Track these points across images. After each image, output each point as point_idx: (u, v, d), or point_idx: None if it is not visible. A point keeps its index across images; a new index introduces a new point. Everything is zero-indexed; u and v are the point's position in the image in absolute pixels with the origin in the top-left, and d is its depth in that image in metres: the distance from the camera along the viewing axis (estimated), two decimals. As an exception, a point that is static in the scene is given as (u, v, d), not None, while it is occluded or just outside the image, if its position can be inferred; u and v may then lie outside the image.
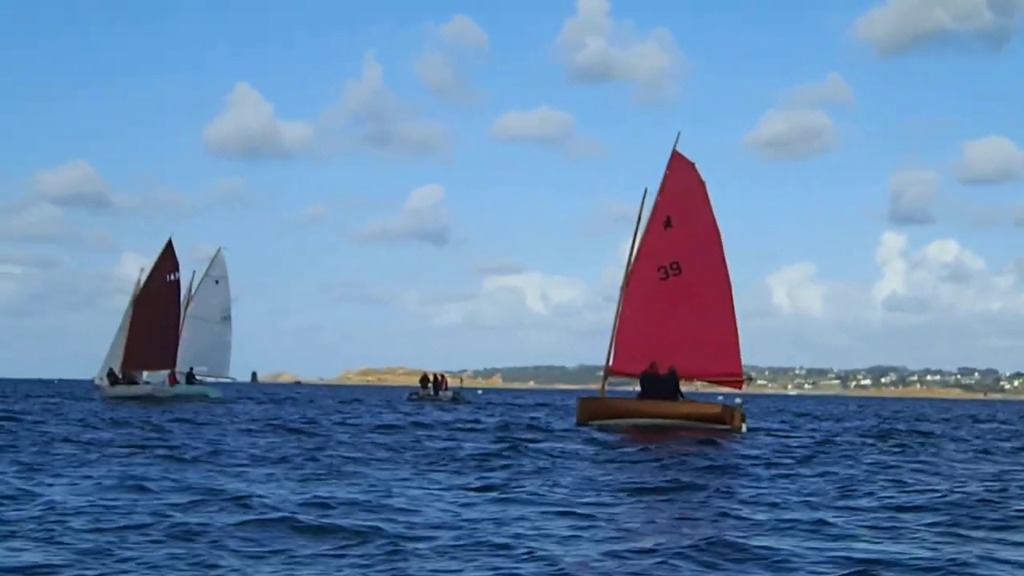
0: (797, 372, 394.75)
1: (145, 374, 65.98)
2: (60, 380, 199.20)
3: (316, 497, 13.57)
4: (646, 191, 37.00)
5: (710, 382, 37.86)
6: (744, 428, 34.16)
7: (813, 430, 37.98)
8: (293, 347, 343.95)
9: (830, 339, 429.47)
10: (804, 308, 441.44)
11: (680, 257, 35.95)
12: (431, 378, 72.80)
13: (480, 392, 79.54)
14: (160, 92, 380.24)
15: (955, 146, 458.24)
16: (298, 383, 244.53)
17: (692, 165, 36.85)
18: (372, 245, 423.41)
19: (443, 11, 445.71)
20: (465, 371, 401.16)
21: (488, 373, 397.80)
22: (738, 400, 36.47)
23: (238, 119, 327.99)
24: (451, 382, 75.90)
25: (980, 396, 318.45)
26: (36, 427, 29.30)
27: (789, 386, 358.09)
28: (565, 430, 33.27)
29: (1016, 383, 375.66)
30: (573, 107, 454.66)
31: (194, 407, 49.32)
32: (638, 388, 35.43)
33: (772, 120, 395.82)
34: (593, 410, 35.43)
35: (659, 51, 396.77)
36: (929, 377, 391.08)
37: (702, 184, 36.68)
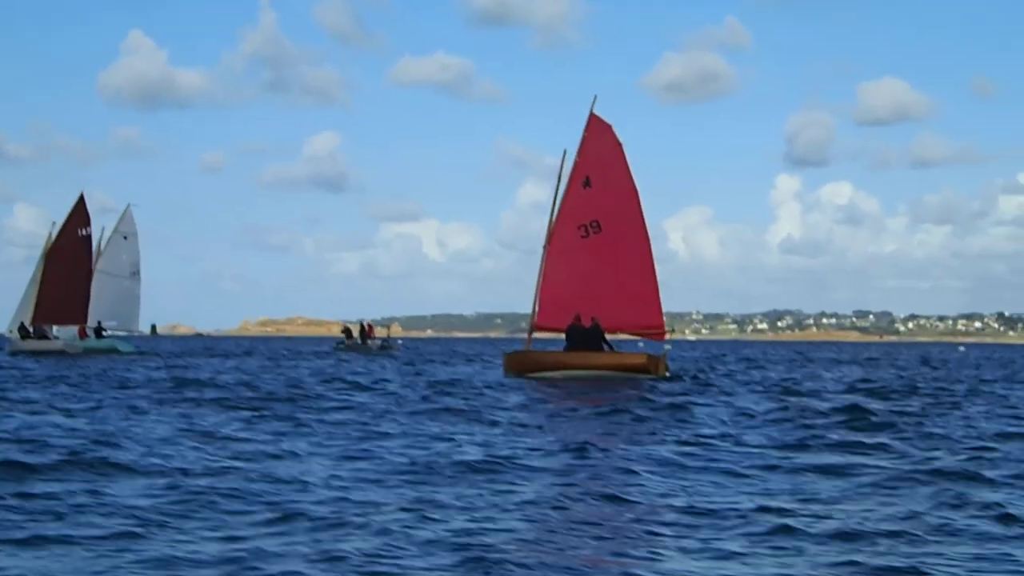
0: (694, 317, 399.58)
1: (55, 328, 66.05)
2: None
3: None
4: (565, 152, 38.35)
5: (633, 334, 39.30)
6: (667, 375, 35.50)
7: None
8: (190, 298, 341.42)
9: (726, 284, 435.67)
10: (700, 252, 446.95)
11: (600, 216, 37.22)
12: (357, 329, 73.56)
13: (400, 341, 79.80)
14: (52, 40, 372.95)
15: (851, 88, 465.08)
16: (199, 335, 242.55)
17: (610, 127, 38.12)
18: (269, 193, 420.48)
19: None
20: (363, 319, 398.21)
21: (386, 321, 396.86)
22: (667, 347, 37.93)
23: (133, 66, 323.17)
24: (379, 332, 75.70)
25: (876, 339, 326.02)
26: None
27: (687, 331, 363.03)
28: None
29: (911, 325, 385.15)
30: (472, 52, 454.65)
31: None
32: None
33: (669, 63, 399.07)
34: (520, 363, 36.70)
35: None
36: (825, 320, 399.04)
37: (619, 146, 37.96)
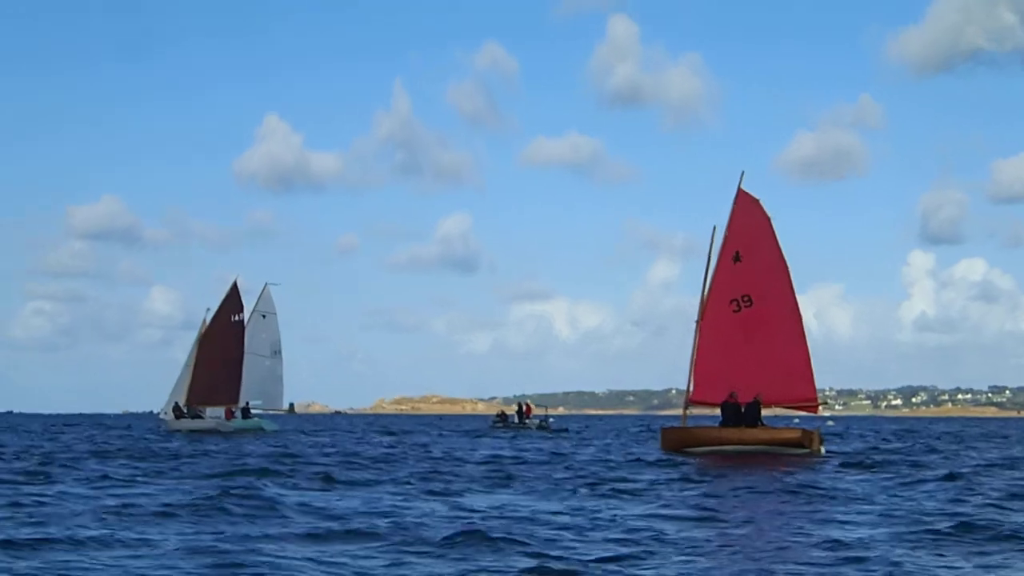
0: (827, 393, 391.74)
1: (208, 410, 68.05)
2: (97, 414, 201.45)
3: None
4: (715, 228, 39.19)
5: (787, 408, 39.60)
6: (823, 451, 35.78)
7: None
8: (323, 376, 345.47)
9: (859, 359, 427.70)
10: (832, 329, 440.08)
11: (750, 290, 37.84)
12: (511, 410, 75.05)
13: (552, 420, 80.00)
14: (190, 125, 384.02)
15: (985, 165, 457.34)
16: (338, 413, 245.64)
17: (758, 202, 38.84)
18: (401, 274, 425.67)
19: (473, 38, 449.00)
20: (495, 398, 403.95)
21: (519, 400, 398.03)
22: (830, 422, 38.28)
23: (268, 151, 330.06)
24: (536, 410, 76.75)
25: (1014, 414, 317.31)
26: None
27: (820, 408, 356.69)
28: None
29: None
30: (603, 132, 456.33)
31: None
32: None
33: (802, 142, 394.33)
34: (678, 439, 37.23)
35: (690, 75, 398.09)
36: (960, 396, 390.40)
37: (768, 219, 38.60)
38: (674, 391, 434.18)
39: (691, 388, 38.29)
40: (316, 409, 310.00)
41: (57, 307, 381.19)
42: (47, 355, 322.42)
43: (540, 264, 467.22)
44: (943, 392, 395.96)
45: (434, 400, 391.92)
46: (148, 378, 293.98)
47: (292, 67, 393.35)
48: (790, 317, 37.72)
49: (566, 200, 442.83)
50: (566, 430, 71.81)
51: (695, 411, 38.99)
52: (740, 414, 36.20)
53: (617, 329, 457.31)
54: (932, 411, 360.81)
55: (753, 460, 32.41)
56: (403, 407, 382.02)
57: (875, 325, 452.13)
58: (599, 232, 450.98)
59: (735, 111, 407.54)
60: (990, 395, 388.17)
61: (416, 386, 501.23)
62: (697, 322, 38.39)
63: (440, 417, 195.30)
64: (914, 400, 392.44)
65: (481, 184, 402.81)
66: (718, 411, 37.28)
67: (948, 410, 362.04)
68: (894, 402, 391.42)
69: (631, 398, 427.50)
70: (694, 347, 38.34)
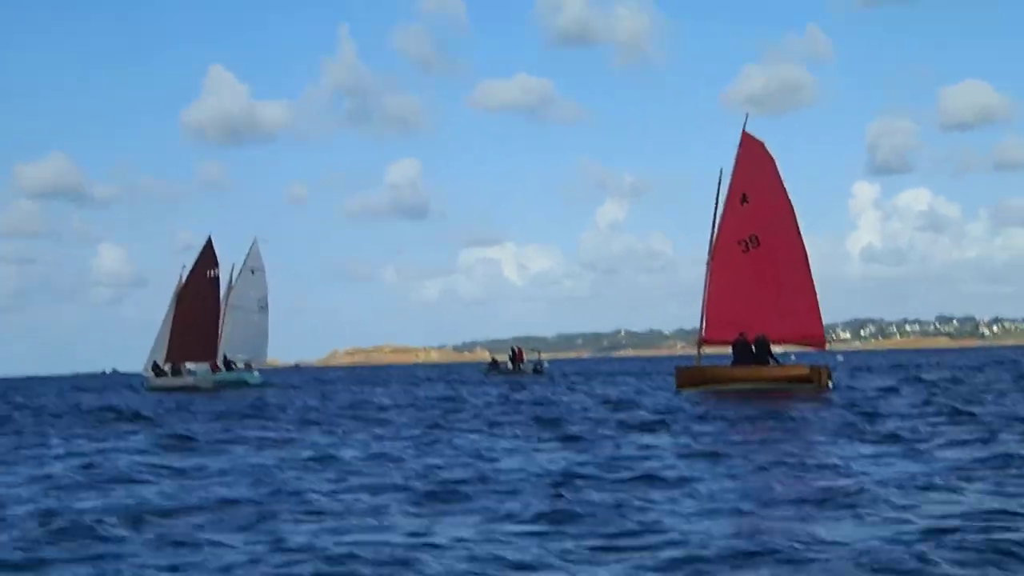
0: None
1: (191, 365, 68.10)
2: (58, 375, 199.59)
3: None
4: (721, 171, 39.77)
5: (795, 345, 40.49)
6: (831, 385, 36.65)
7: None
8: (275, 329, 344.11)
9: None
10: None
11: (758, 231, 38.54)
12: (502, 357, 75.38)
13: (546, 364, 79.05)
14: (134, 80, 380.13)
15: (932, 93, 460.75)
16: (297, 367, 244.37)
17: (761, 144, 39.45)
18: (353, 223, 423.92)
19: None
20: (446, 345, 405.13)
21: (469, 346, 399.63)
22: (840, 357, 39.03)
23: (215, 103, 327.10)
24: (528, 355, 77.07)
25: (974, 343, 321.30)
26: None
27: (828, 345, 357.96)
28: None
29: (995, 328, 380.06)
30: (553, 73, 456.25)
31: None
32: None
33: (750, 75, 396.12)
34: (691, 377, 37.96)
35: (637, 11, 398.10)
36: (908, 327, 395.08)
37: (772, 161, 39.24)
38: (623, 332, 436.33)
39: (704, 327, 38.90)
40: (272, 363, 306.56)
41: (6, 269, 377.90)
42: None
43: (490, 208, 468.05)
44: (890, 324, 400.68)
45: (387, 350, 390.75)
46: (99, 338, 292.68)
47: (234, 15, 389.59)
48: (797, 256, 38.48)
49: (515, 143, 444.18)
50: (540, 370, 72.31)
51: (707, 350, 39.60)
52: (750, 352, 36.95)
53: (567, 272, 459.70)
54: (882, 343, 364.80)
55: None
56: (356, 358, 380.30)
57: (822, 258, 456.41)
58: (548, 174, 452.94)
59: (683, 47, 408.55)
60: (937, 325, 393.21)
61: (368, 336, 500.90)
62: (708, 262, 39.00)
63: (436, 367, 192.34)
64: (862, 333, 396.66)
65: (430, 129, 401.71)
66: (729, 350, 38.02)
67: (898, 342, 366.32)
68: (843, 335, 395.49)
69: (580, 341, 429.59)
70: (705, 287, 39.00)
